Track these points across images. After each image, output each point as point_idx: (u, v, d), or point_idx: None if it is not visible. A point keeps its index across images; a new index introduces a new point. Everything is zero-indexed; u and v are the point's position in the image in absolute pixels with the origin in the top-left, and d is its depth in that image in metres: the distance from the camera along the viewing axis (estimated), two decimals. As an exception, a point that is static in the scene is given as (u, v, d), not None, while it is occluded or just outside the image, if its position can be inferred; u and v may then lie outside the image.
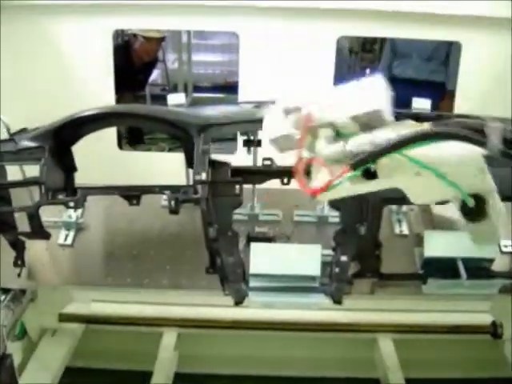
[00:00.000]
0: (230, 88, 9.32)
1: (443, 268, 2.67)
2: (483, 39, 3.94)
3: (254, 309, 3.85)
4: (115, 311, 4.24)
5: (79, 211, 3.28)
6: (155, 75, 9.43)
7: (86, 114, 2.61)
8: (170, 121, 2.62)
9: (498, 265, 2.80)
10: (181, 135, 2.64)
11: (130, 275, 3.08)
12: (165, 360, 4.08)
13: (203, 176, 2.42)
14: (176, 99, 2.93)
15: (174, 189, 2.57)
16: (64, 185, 2.69)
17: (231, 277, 2.50)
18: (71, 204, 2.58)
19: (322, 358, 4.45)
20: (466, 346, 4.23)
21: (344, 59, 9.04)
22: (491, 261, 2.73)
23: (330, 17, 3.87)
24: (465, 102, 4.04)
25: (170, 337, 4.27)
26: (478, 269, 2.70)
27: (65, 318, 4.12)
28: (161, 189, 2.62)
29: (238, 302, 2.52)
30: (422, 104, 2.87)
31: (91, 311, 4.23)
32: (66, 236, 3.24)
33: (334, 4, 3.78)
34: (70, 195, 2.62)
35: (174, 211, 2.51)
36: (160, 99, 7.95)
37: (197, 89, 10.08)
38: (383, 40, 6.42)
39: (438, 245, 2.66)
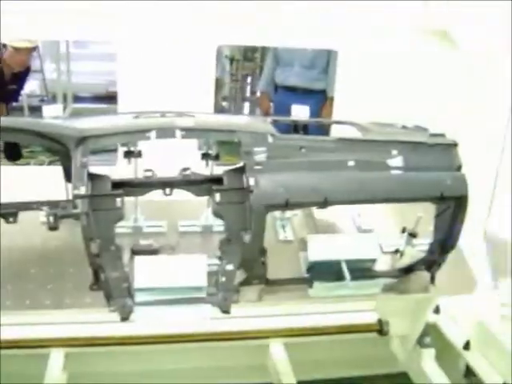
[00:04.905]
0: (111, 98, 9.17)
1: (328, 271, 2.72)
2: (358, 47, 4.07)
3: (143, 323, 3.77)
4: (-4, 335, 4.03)
5: (-49, 232, 3.10)
6: (33, 86, 9.13)
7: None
8: (45, 134, 2.53)
9: (380, 265, 2.90)
10: (58, 148, 2.56)
11: (10, 297, 2.93)
12: (53, 381, 3.92)
13: (82, 190, 2.35)
14: (52, 111, 2.83)
15: (52, 204, 2.49)
16: None
17: (116, 292, 2.45)
18: None
19: (215, 367, 4.42)
20: (355, 345, 4.34)
21: (225, 67, 9.17)
22: (373, 261, 2.82)
23: (209, 24, 3.87)
24: (343, 108, 4.17)
25: (56, 357, 4.11)
26: (361, 270, 2.78)
27: None
28: (38, 205, 2.53)
29: (124, 318, 2.46)
30: (300, 111, 2.93)
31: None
32: None
33: (214, 12, 3.78)
34: None
35: (53, 227, 2.43)
36: (38, 110, 7.68)
37: (78, 99, 9.85)
38: (264, 49, 6.52)
39: (321, 248, 2.71)
